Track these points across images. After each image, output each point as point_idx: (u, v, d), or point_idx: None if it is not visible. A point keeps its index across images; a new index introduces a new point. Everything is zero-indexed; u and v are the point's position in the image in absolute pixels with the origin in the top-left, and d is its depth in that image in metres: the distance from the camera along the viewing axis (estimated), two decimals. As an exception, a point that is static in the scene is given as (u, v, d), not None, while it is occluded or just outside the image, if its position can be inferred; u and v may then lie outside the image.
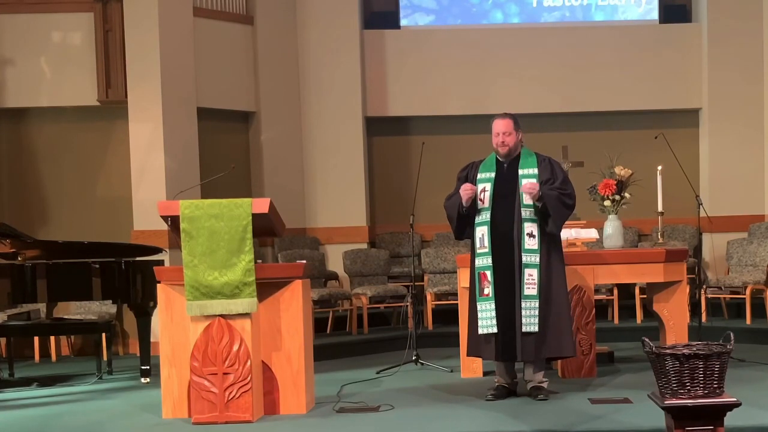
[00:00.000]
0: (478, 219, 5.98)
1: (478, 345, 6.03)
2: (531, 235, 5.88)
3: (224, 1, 9.85)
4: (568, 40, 10.70)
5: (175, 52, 9.02)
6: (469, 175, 6.09)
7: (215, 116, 9.77)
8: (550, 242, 5.95)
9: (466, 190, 5.93)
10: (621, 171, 7.34)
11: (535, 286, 5.86)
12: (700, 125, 10.74)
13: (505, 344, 5.89)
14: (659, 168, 7.44)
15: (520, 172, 5.96)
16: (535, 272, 5.87)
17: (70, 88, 9.07)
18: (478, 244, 5.97)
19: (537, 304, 5.85)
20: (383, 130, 10.91)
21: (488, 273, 5.91)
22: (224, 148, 9.88)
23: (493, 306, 5.87)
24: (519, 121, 6.07)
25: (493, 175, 5.98)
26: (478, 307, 5.93)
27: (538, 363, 6.03)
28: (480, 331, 5.91)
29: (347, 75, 10.46)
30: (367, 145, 10.68)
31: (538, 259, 5.88)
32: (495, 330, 5.87)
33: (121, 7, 8.89)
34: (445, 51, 10.67)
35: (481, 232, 5.95)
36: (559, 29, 10.84)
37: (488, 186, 5.96)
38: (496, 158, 6.05)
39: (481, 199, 5.97)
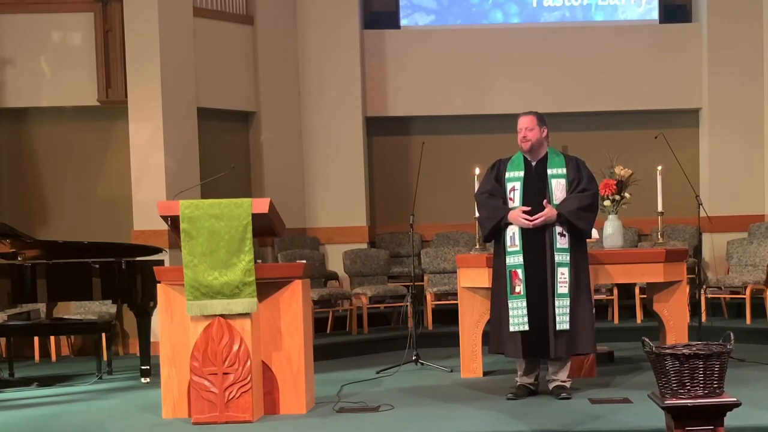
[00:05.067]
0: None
1: (502, 342, 6.04)
2: (562, 234, 5.96)
3: (224, 1, 9.85)
4: (568, 40, 10.69)
5: (175, 52, 9.02)
6: (498, 172, 6.10)
7: (215, 116, 9.77)
8: (577, 241, 6.03)
9: (524, 220, 5.90)
10: (621, 171, 7.34)
11: (567, 285, 5.93)
12: (700, 125, 10.74)
13: (536, 342, 5.92)
14: (659, 168, 7.43)
15: (549, 171, 6.01)
16: (566, 271, 5.94)
17: (70, 88, 9.08)
18: (508, 243, 5.98)
19: (568, 302, 5.92)
20: (383, 130, 10.91)
21: (519, 271, 5.93)
22: (224, 148, 9.88)
23: (524, 304, 5.91)
24: (545, 118, 6.14)
25: (522, 174, 6.03)
26: (510, 305, 5.94)
27: (564, 362, 6.07)
28: (511, 329, 5.93)
29: (347, 75, 10.46)
30: (367, 145, 10.68)
31: (568, 258, 5.96)
32: (526, 327, 5.90)
33: (121, 7, 8.89)
34: (445, 51, 10.67)
35: (512, 231, 5.98)
36: (559, 29, 10.84)
37: (518, 185, 6.00)
38: (524, 157, 6.08)
39: (511, 198, 6.00)
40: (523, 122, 6.07)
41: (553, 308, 5.90)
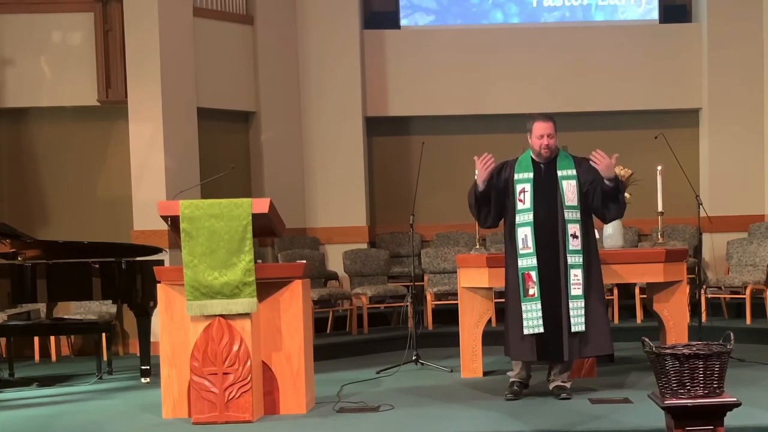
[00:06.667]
0: (519, 219, 5.93)
1: (516, 345, 5.98)
2: (574, 236, 5.90)
3: (224, 1, 9.85)
4: (568, 40, 10.69)
5: (175, 52, 9.02)
6: (505, 174, 6.04)
7: (215, 116, 9.77)
8: (589, 242, 5.99)
9: (483, 164, 5.89)
10: (621, 171, 7.33)
11: (581, 286, 5.88)
12: (700, 125, 10.74)
13: (551, 345, 5.89)
14: (659, 168, 7.43)
15: (559, 173, 5.96)
16: (580, 272, 5.88)
17: (70, 88, 9.08)
18: (521, 245, 5.92)
19: (583, 304, 5.87)
20: (383, 130, 10.91)
21: (533, 273, 5.88)
22: (224, 148, 9.88)
23: (539, 306, 5.86)
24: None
25: (531, 175, 5.97)
26: (523, 308, 5.88)
27: (569, 364, 6.07)
28: (525, 332, 5.86)
29: (347, 75, 10.46)
30: (367, 145, 10.68)
31: (581, 260, 5.90)
32: (541, 330, 5.85)
33: (121, 7, 8.89)
34: (445, 51, 10.67)
35: (524, 233, 5.91)
36: (559, 29, 10.84)
37: (528, 186, 5.94)
38: (532, 159, 6.03)
39: (521, 200, 5.93)
40: (545, 128, 5.97)
41: (567, 310, 5.87)
